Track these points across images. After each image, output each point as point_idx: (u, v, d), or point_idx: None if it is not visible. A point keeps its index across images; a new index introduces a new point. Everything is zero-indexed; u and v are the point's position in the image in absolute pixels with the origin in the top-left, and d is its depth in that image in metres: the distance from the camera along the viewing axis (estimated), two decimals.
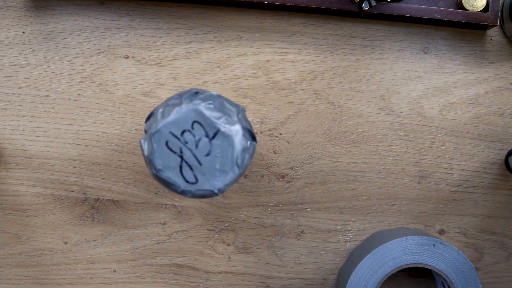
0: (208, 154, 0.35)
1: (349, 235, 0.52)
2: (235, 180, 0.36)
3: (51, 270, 0.51)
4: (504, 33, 0.53)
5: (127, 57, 0.52)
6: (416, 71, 0.52)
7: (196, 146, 0.35)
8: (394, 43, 0.52)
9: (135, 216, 0.52)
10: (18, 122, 0.51)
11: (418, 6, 0.50)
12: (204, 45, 0.52)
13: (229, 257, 0.52)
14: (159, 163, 0.36)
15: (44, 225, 0.51)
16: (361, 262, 0.47)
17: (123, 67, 0.52)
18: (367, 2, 0.50)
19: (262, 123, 0.52)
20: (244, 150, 0.36)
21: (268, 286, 0.52)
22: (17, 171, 0.51)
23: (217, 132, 0.35)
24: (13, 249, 0.51)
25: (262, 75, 0.52)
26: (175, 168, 0.35)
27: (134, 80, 0.52)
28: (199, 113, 0.36)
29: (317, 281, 0.52)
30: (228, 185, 0.36)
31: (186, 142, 0.35)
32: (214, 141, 0.35)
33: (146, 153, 0.36)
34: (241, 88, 0.52)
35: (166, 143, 0.35)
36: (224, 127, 0.35)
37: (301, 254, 0.52)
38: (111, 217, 0.51)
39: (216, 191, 0.36)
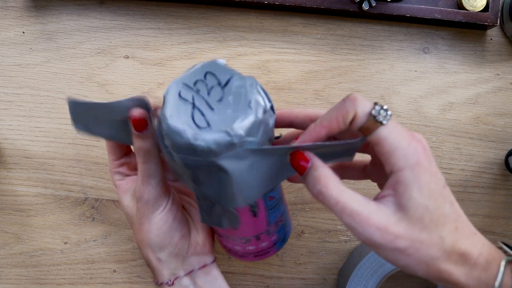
0: (220, 100, 0.34)
1: (349, 235, 0.52)
2: (251, 126, 0.32)
3: (51, 270, 0.51)
4: (504, 33, 0.53)
5: (127, 57, 0.52)
6: (416, 71, 0.52)
7: (208, 93, 0.34)
8: (394, 43, 0.52)
9: None
10: (18, 122, 0.51)
11: (418, 6, 0.50)
12: (204, 45, 0.52)
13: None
14: (170, 114, 0.33)
15: (44, 225, 0.51)
16: (361, 262, 0.47)
17: (123, 67, 0.52)
18: (367, 2, 0.50)
19: None
20: (258, 103, 0.33)
21: (268, 286, 0.52)
22: (17, 171, 0.51)
23: (230, 79, 0.34)
24: (13, 249, 0.51)
25: (262, 75, 0.52)
26: (187, 115, 0.33)
27: (134, 80, 0.52)
28: (212, 64, 0.34)
29: (317, 281, 0.52)
30: (244, 129, 0.32)
31: (199, 90, 0.34)
32: (227, 88, 0.34)
33: (159, 113, 0.33)
34: None
35: (179, 93, 0.34)
36: (237, 74, 0.34)
37: (301, 254, 0.52)
38: (111, 217, 0.51)
39: (230, 132, 0.32)
